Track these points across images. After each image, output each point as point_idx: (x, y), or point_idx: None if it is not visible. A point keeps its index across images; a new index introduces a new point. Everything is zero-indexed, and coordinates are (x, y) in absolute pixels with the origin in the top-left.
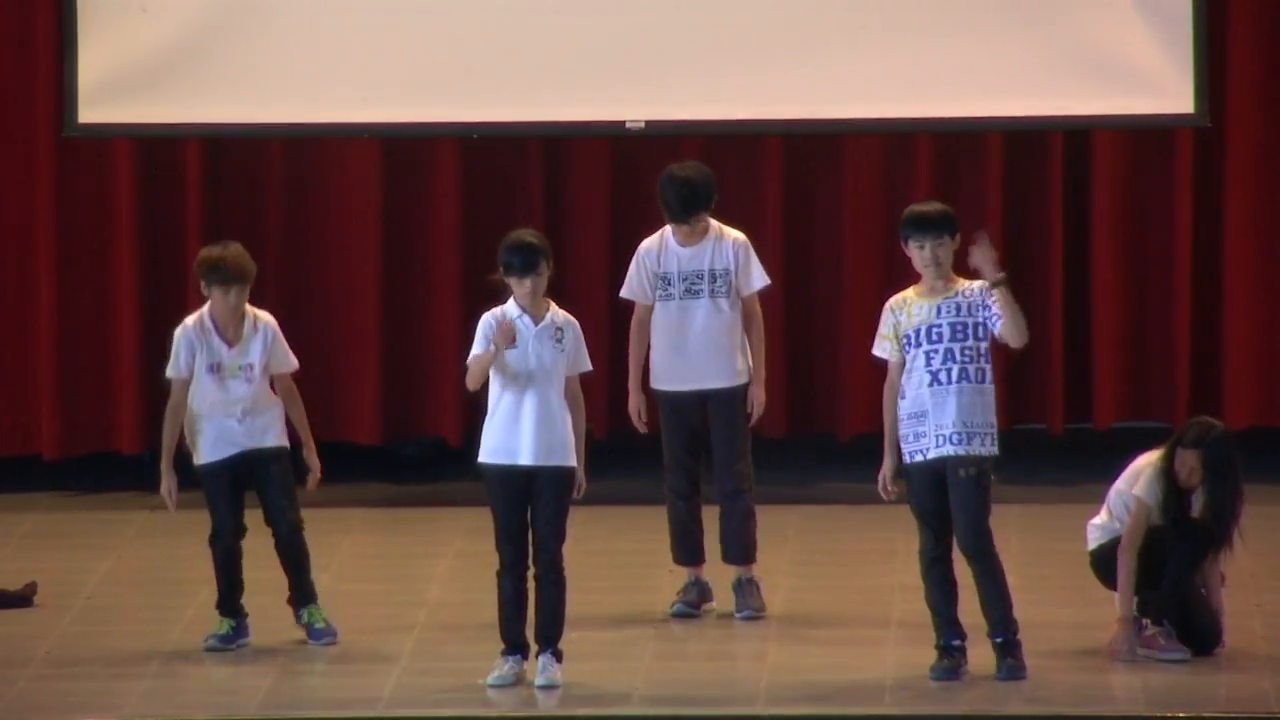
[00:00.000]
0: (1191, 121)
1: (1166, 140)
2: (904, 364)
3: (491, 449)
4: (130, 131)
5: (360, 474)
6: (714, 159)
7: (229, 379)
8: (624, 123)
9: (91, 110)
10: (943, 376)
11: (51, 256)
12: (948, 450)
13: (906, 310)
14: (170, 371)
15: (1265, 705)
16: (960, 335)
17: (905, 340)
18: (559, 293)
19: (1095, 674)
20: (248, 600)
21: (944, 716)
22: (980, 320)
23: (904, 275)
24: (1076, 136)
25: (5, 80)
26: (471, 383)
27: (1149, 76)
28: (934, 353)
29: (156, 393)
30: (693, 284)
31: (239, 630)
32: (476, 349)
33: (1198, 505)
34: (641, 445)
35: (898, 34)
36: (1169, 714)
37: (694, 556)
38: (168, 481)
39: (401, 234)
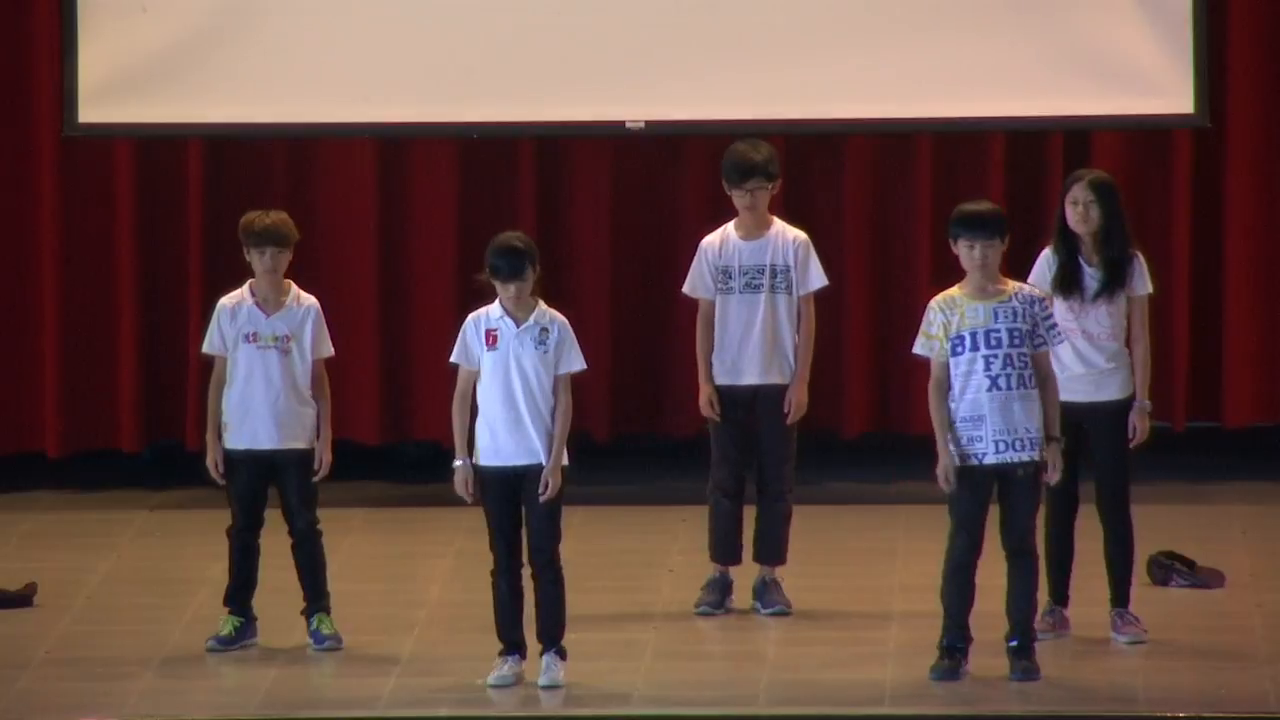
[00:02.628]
0: (1191, 121)
1: (1166, 140)
2: (946, 362)
3: (480, 450)
4: (130, 131)
5: (361, 474)
6: (714, 159)
7: (265, 349)
8: (624, 123)
9: (92, 110)
10: (1002, 382)
11: (54, 255)
12: (1010, 456)
13: (959, 311)
14: (205, 347)
15: (1265, 705)
16: (1017, 341)
17: (957, 341)
18: (560, 293)
19: (1095, 674)
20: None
21: (944, 716)
22: (1030, 328)
23: (902, 273)
24: (1077, 137)
25: (5, 80)
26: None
27: (1149, 76)
28: (993, 358)
29: (156, 392)
30: (753, 278)
31: (244, 631)
32: (456, 354)
33: (1088, 251)
34: (643, 446)
35: (898, 34)
36: (1169, 714)
37: (734, 555)
38: (212, 454)
39: (401, 234)
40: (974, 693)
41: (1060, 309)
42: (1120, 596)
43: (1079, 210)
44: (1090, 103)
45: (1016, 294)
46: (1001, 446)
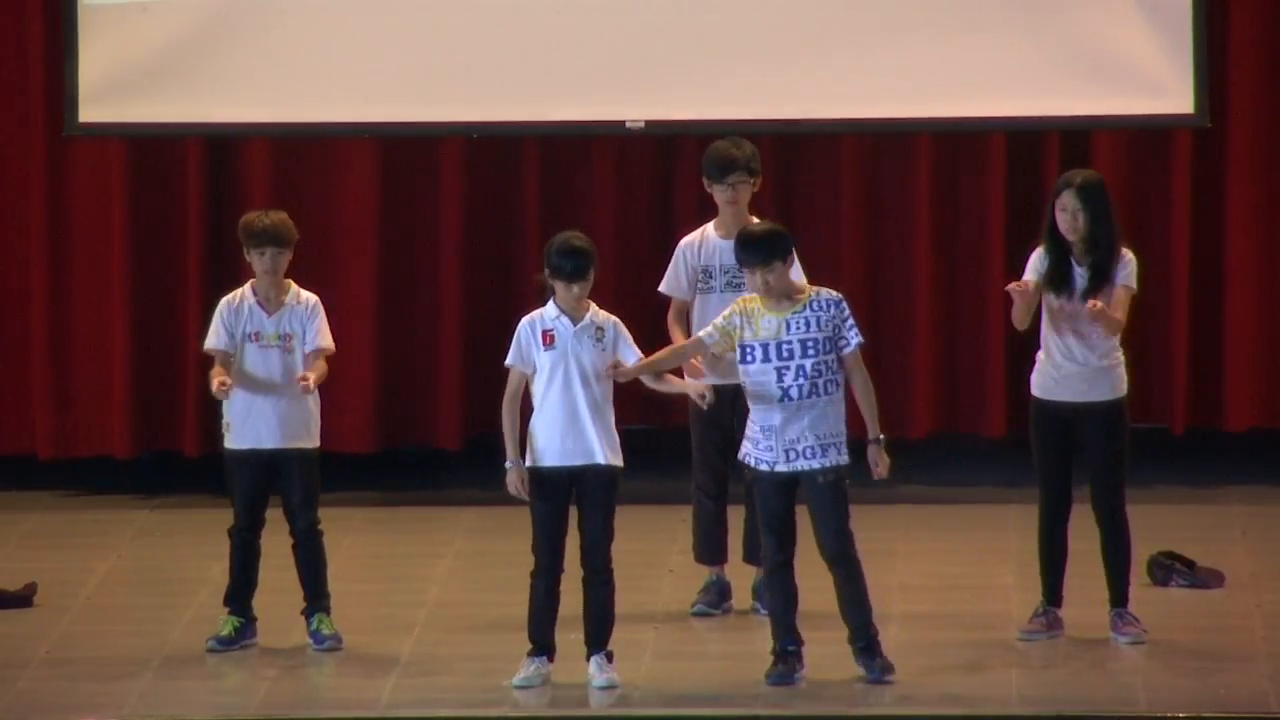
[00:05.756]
0: (1191, 121)
1: (1166, 140)
2: (712, 355)
3: (536, 451)
4: (130, 131)
5: (360, 474)
6: None
7: (268, 349)
8: (624, 123)
9: (92, 110)
10: (794, 393)
11: (44, 257)
12: (800, 465)
13: (754, 320)
14: (206, 345)
15: (1265, 705)
16: (811, 350)
17: (748, 350)
18: None
19: (1095, 674)
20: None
21: (944, 716)
22: (829, 334)
23: (898, 275)
24: (1077, 136)
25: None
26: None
27: (1149, 76)
28: (785, 369)
29: (150, 397)
30: (734, 277)
31: (244, 631)
32: (511, 357)
33: (1078, 252)
34: (641, 446)
35: (898, 34)
36: (1169, 714)
37: (718, 555)
38: (218, 379)
39: (401, 233)
40: (974, 693)
41: (1053, 307)
42: (1119, 597)
43: (1067, 217)
44: (1090, 103)
45: (812, 301)
46: (792, 455)
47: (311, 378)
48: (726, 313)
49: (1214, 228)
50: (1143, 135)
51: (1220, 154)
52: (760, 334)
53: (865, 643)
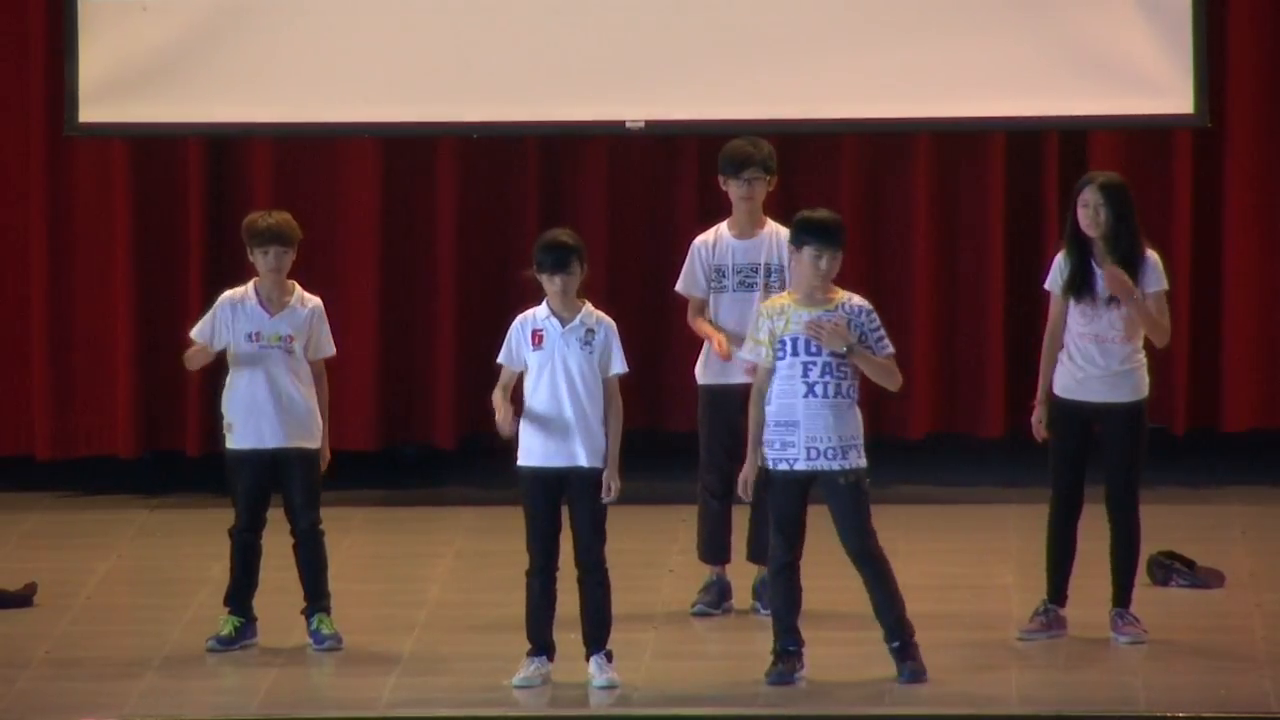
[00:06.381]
0: (1191, 121)
1: (1166, 140)
2: (772, 369)
3: (525, 450)
4: (130, 131)
5: (359, 474)
6: (714, 158)
7: (269, 349)
8: (624, 123)
9: (92, 109)
10: (819, 389)
11: (44, 259)
12: (821, 464)
13: (785, 316)
14: (193, 331)
15: (1265, 705)
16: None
17: (780, 346)
18: None
19: (1095, 674)
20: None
21: (944, 716)
22: (857, 339)
23: (898, 276)
24: (1076, 136)
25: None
26: (498, 408)
27: (1149, 76)
28: (812, 365)
29: (152, 396)
30: (747, 276)
31: (244, 631)
32: (502, 355)
33: (1099, 253)
34: (640, 446)
35: (897, 34)
36: (1169, 714)
37: (721, 555)
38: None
39: (401, 232)
40: (974, 693)
41: (1073, 313)
42: (1122, 597)
43: (1089, 213)
44: (1090, 103)
45: (844, 304)
46: (813, 454)
47: (325, 458)
48: (755, 323)
49: (1214, 228)
50: (1142, 135)
51: (1220, 154)
52: (791, 328)
53: (900, 642)
